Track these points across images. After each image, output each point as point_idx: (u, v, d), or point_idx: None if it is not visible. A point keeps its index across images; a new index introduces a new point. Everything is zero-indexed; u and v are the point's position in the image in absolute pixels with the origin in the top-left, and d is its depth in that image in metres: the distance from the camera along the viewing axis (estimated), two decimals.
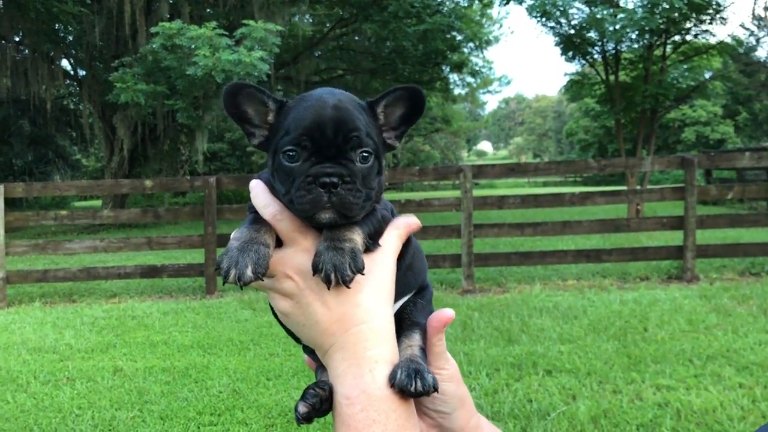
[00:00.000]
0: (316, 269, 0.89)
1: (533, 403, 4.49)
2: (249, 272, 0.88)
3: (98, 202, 32.27)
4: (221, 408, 4.66)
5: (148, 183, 9.62)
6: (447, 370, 1.04)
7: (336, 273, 0.88)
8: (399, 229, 1.02)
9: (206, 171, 34.55)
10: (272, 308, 1.07)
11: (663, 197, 9.43)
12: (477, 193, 9.31)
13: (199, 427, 4.36)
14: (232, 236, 0.95)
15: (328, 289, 0.90)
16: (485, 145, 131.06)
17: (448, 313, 1.05)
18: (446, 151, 69.56)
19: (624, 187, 18.39)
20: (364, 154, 0.94)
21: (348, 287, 0.90)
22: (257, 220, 0.96)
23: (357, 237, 0.93)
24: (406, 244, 1.05)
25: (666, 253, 9.14)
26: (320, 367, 1.05)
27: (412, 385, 0.89)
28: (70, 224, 19.30)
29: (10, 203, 9.54)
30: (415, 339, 1.01)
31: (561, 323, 6.60)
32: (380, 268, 0.97)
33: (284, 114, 0.97)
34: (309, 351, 1.08)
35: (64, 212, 9.78)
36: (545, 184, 60.31)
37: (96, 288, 9.75)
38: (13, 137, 29.89)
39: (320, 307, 0.93)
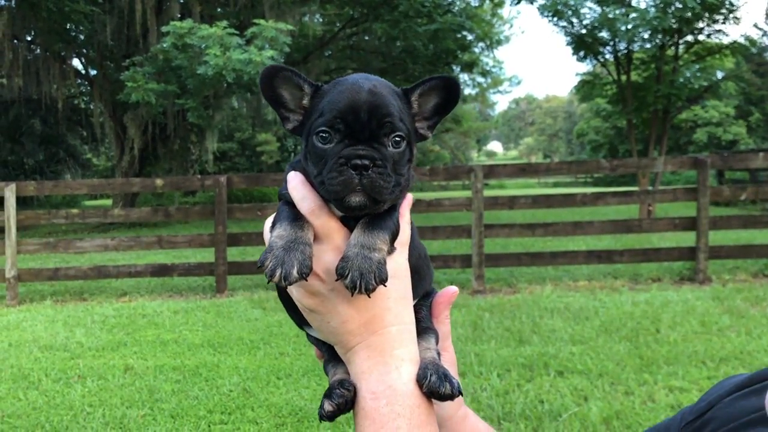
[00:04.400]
0: (341, 274, 0.88)
1: (545, 404, 4.46)
2: (295, 272, 0.87)
3: (109, 201, 32.37)
4: (232, 407, 4.66)
5: (159, 182, 9.63)
6: (448, 354, 1.07)
7: (361, 281, 0.87)
8: (405, 217, 1.00)
9: (216, 170, 34.63)
10: (282, 298, 1.06)
11: (676, 198, 9.38)
12: (487, 193, 9.27)
13: (209, 426, 4.36)
14: (273, 234, 0.93)
15: (351, 295, 0.89)
16: (495, 146, 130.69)
17: (453, 289, 1.10)
18: (456, 152, 69.43)
19: (636, 188, 18.31)
20: (396, 138, 0.93)
21: (369, 297, 0.90)
22: (298, 217, 0.95)
23: (384, 246, 0.92)
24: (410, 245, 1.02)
25: (678, 254, 9.08)
26: (330, 361, 1.04)
27: (443, 388, 0.89)
28: (81, 223, 19.38)
29: (22, 202, 9.61)
30: (432, 343, 1.02)
31: (572, 324, 6.56)
32: (403, 271, 0.97)
33: (319, 97, 0.97)
34: (317, 342, 1.07)
35: (75, 211, 9.84)
36: (555, 185, 60.11)
37: (107, 286, 9.78)
38: (25, 136, 30.07)
39: (348, 308, 0.92)
